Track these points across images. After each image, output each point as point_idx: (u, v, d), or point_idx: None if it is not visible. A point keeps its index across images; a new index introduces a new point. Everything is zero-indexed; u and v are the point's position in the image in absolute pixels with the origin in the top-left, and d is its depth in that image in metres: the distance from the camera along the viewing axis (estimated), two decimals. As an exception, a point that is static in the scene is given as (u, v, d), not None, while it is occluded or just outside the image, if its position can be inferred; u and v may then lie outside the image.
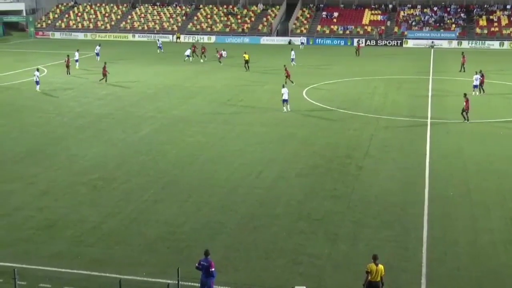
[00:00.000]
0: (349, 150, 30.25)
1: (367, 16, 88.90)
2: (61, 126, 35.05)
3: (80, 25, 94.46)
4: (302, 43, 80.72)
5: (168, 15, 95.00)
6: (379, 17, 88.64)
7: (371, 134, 33.00)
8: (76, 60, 57.41)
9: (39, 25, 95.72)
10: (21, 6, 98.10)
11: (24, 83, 49.35)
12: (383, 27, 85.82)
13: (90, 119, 36.92)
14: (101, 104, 41.41)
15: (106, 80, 49.30)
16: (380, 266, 15.71)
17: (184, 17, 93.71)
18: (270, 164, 27.78)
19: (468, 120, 35.33)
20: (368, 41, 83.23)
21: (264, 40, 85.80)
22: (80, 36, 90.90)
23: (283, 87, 39.23)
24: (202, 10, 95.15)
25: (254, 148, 30.60)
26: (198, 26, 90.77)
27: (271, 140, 31.96)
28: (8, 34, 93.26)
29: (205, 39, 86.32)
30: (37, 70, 47.85)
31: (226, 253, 18.84)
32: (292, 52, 61.46)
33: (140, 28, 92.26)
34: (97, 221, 21.24)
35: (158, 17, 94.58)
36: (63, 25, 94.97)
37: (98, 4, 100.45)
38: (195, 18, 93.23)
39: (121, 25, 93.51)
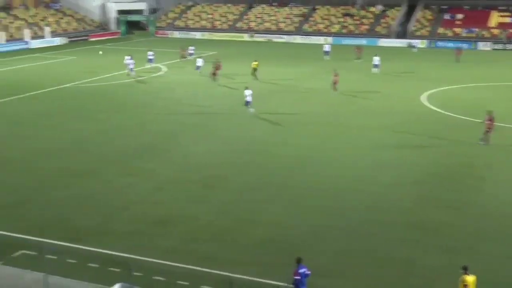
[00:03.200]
0: (470, 159, 28.83)
1: (494, 18, 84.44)
2: (176, 123, 36.01)
3: (198, 24, 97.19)
4: (413, 46, 77.81)
5: (285, 15, 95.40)
6: (508, 19, 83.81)
7: (495, 143, 31.15)
8: (150, 60, 59.38)
9: (159, 24, 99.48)
10: (143, 6, 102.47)
11: (141, 80, 51.37)
12: (511, 30, 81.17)
13: (204, 117, 37.71)
14: (215, 103, 42.17)
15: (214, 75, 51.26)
16: (473, 277, 14.88)
17: (301, 18, 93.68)
18: (385, 170, 27.02)
19: None
20: (495, 44, 79.08)
21: (382, 42, 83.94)
22: (198, 35, 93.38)
23: (247, 88, 38.83)
24: (318, 10, 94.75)
25: (368, 152, 29.91)
26: (314, 27, 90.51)
27: (386, 145, 31.11)
28: (130, 33, 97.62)
29: (321, 40, 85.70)
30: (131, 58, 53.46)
31: (334, 257, 18.60)
32: (377, 58, 56.82)
33: (256, 28, 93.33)
34: (209, 218, 21.59)
35: (274, 18, 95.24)
36: (181, 25, 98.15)
37: (216, 4, 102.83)
38: (311, 19, 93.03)
39: (238, 25, 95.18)
